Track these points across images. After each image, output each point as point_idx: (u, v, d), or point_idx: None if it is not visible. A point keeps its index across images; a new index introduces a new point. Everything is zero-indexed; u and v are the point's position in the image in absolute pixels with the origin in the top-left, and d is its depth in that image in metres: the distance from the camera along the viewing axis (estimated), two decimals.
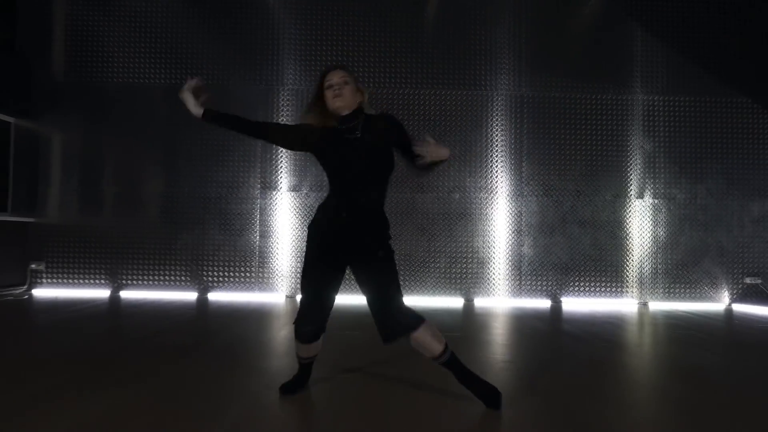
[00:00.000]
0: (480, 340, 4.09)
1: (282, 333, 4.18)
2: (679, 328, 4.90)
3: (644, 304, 6.59)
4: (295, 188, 6.57)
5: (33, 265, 6.36)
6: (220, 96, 6.55)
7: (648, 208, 6.70)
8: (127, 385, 2.58)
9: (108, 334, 4.07)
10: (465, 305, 6.31)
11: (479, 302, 6.51)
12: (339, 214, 2.26)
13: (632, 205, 6.70)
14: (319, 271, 2.29)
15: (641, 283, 6.64)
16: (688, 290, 6.65)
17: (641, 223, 6.69)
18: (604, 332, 4.51)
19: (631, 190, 6.70)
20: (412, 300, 2.66)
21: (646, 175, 6.72)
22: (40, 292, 6.34)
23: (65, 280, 6.43)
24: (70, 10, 6.58)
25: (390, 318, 2.21)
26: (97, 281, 6.44)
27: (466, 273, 6.56)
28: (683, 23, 6.76)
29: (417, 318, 2.23)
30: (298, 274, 6.49)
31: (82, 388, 2.52)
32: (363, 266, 2.28)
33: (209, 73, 6.56)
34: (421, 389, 2.59)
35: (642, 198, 6.70)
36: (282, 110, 6.60)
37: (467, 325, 4.81)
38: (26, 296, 6.03)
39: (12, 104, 6.25)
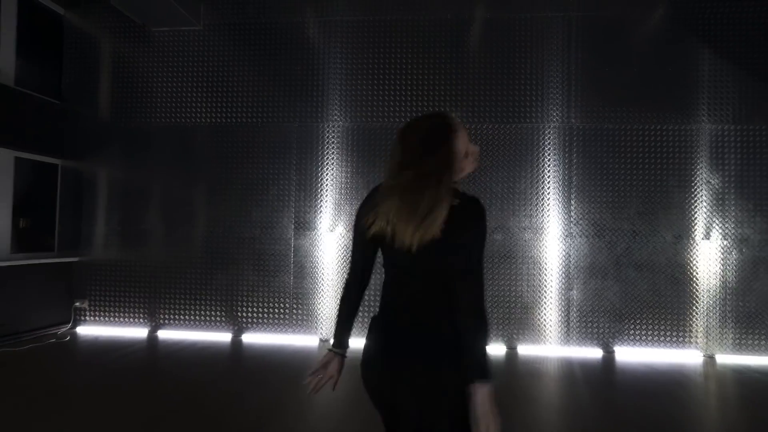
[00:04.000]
0: (515, 392, 3.72)
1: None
2: (748, 388, 4.31)
3: (710, 357, 5.93)
4: (329, 228, 6.37)
5: (77, 303, 6.50)
6: (256, 134, 6.48)
7: (716, 251, 6.02)
8: None
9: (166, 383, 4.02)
10: (507, 353, 5.94)
11: (523, 350, 6.08)
12: None
13: (697, 247, 6.04)
14: None
15: (707, 332, 5.98)
16: (764, 341, 5.93)
17: (708, 266, 6.02)
18: (662, 392, 4.02)
19: (696, 230, 6.05)
20: None
21: (714, 213, 6.04)
22: (84, 330, 6.49)
23: (107, 318, 6.54)
24: (114, 55, 6.68)
25: None
26: (137, 319, 6.51)
27: (510, 318, 6.15)
28: (757, 41, 6.03)
29: None
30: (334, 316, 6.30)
31: None
32: None
33: (248, 112, 6.49)
34: None
35: (709, 239, 6.03)
36: (328, 146, 6.41)
37: (508, 374, 4.43)
38: (67, 337, 6.16)
39: (59, 148, 6.43)
